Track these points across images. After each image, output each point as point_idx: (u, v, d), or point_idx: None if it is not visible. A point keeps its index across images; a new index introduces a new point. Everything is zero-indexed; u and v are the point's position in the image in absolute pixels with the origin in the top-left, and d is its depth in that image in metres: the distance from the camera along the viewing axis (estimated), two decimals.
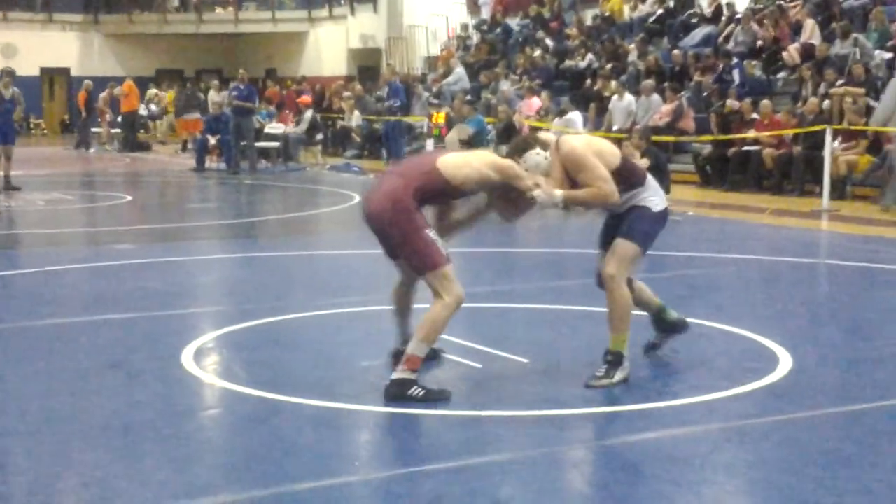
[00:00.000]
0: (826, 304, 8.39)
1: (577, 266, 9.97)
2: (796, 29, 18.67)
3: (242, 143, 20.56)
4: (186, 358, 6.09)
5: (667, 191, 13.32)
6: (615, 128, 18.06)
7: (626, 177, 5.61)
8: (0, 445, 4.74)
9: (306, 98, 24.39)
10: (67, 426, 4.96)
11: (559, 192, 5.46)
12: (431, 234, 5.33)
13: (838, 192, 14.36)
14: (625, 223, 5.63)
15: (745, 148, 16.16)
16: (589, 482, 4.42)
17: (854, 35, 17.00)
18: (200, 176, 20.36)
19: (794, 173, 15.44)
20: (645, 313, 6.07)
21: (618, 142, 15.93)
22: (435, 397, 5.21)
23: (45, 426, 4.95)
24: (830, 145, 14.05)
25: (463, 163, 5.41)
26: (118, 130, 28.25)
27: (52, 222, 13.71)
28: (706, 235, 11.87)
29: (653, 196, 5.70)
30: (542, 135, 5.74)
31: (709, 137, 16.71)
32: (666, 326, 6.16)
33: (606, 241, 5.74)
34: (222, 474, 4.38)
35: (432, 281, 5.29)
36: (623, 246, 5.58)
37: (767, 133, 15.69)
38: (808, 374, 5.85)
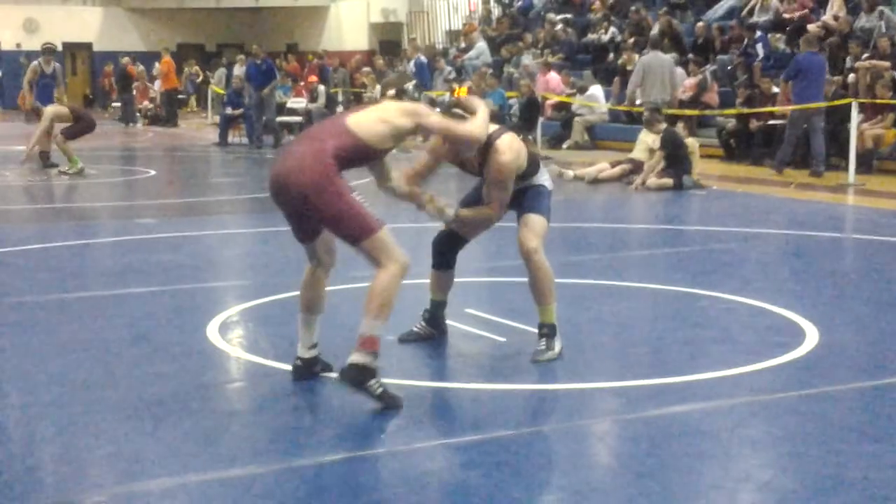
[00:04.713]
0: (852, 278, 8.34)
1: (597, 241, 9.97)
2: (821, 2, 18.51)
3: (265, 118, 20.56)
4: (212, 331, 6.11)
5: (689, 171, 13.35)
6: (638, 102, 17.96)
7: (531, 169, 5.61)
8: (28, 417, 4.77)
9: (313, 77, 24.35)
10: (95, 398, 4.98)
11: (451, 211, 5.46)
12: (359, 198, 4.83)
13: (864, 166, 14.27)
14: (528, 199, 5.60)
15: (770, 122, 16.06)
16: (614, 456, 4.42)
17: (879, 8, 16.84)
18: (224, 150, 20.38)
19: None
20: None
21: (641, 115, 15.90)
22: (390, 401, 4.76)
23: (73, 398, 4.98)
24: (856, 119, 13.95)
25: (376, 119, 4.93)
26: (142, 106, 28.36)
27: (76, 197, 13.77)
28: (731, 210, 11.80)
29: (546, 177, 5.74)
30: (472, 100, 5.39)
31: (733, 111, 16.61)
32: (435, 321, 5.92)
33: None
34: (248, 447, 4.39)
35: (370, 249, 4.79)
36: (537, 220, 5.56)
37: (792, 107, 15.57)
38: (834, 349, 5.82)
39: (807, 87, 14.40)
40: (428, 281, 5.92)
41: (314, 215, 4.87)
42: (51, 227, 10.97)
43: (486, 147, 5.34)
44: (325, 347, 5.35)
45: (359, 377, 4.71)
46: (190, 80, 31.29)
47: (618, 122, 19.22)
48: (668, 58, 17.36)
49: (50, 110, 15.14)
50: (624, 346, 6.01)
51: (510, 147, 5.39)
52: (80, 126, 15.27)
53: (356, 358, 4.72)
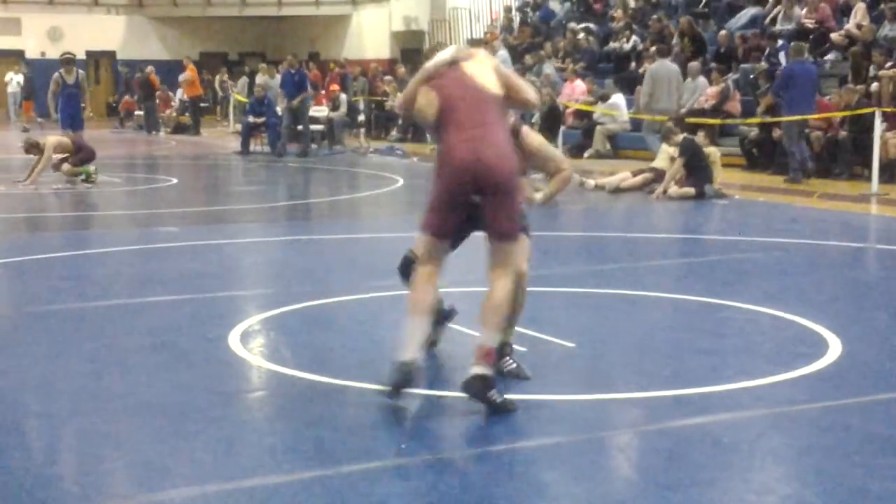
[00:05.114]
0: (876, 288, 8.29)
1: (618, 250, 9.95)
2: (844, 10, 18.43)
3: (292, 126, 20.65)
4: (233, 340, 6.13)
5: (711, 180, 13.32)
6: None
7: None
8: (50, 426, 4.79)
9: (335, 86, 24.36)
10: (116, 407, 5.00)
11: (539, 196, 5.47)
12: None
13: (887, 175, 14.19)
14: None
15: None
16: (635, 467, 4.40)
17: None
18: (246, 159, 20.45)
19: (842, 157, 15.26)
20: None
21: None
22: (508, 407, 4.84)
23: (95, 407, 5.00)
24: (879, 128, 13.87)
25: (500, 78, 5.03)
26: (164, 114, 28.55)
27: (98, 205, 13.84)
28: (753, 219, 11.76)
29: None
30: None
31: (755, 120, 16.54)
32: (439, 319, 5.75)
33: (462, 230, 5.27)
34: (269, 456, 4.40)
35: (513, 251, 4.86)
36: (525, 240, 5.33)
37: (816, 116, 15.51)
38: (857, 360, 5.79)
39: (798, 96, 14.74)
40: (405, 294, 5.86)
41: (498, 204, 4.82)
42: (73, 236, 11.03)
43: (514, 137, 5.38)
44: (344, 354, 5.36)
45: (483, 388, 4.77)
46: (222, 88, 31.41)
47: (639, 132, 19.17)
48: (675, 67, 17.49)
49: (52, 141, 15.16)
50: (645, 356, 5.99)
51: (528, 129, 5.55)
52: (81, 156, 15.25)
53: (480, 370, 4.78)
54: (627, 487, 4.17)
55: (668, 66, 17.10)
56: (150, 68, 28.51)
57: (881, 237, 10.88)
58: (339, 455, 4.35)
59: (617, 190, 14.04)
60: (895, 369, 5.72)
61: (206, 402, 5.03)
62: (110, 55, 36.52)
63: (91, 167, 15.21)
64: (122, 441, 4.55)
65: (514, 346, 5.88)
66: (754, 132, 16.70)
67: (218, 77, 31.59)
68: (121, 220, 12.41)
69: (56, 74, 16.19)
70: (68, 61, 16.28)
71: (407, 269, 5.47)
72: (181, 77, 28.06)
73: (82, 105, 16.38)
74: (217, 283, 8.10)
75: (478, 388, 4.78)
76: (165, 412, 4.89)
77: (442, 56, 5.07)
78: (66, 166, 15.02)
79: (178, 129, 28.06)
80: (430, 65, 5.07)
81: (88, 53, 35.18)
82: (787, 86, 14.84)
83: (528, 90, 5.22)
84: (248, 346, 6.06)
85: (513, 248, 4.87)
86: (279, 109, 22.15)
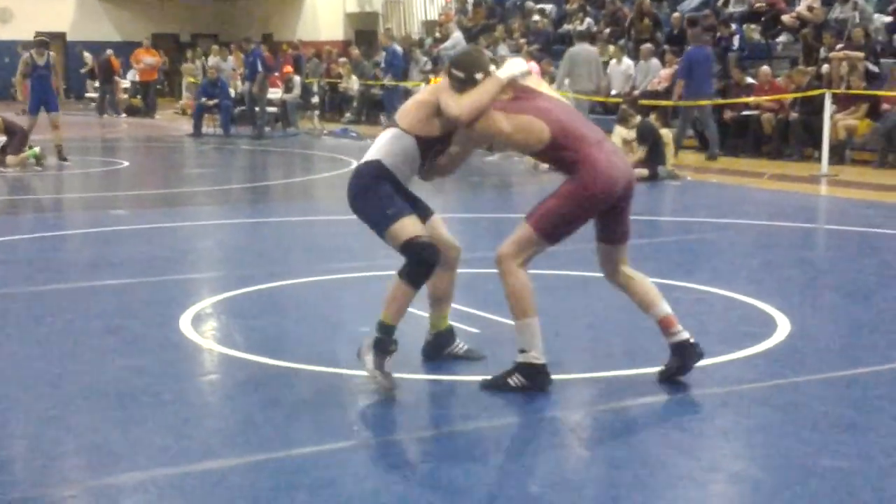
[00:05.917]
0: (825, 268, 8.39)
1: None
2: None
3: (257, 109, 20.61)
4: (184, 323, 6.09)
5: (664, 161, 13.41)
6: (613, 92, 17.99)
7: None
8: None
9: (288, 68, 24.20)
10: (66, 391, 4.96)
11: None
12: None
13: (837, 156, 14.35)
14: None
15: (744, 113, 16.12)
16: (586, 447, 4.42)
17: None
18: (198, 141, 20.30)
19: (793, 138, 15.41)
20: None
21: (615, 106, 15.98)
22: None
23: (44, 391, 4.96)
24: (829, 110, 14.01)
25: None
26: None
27: (49, 188, 13.69)
28: (704, 200, 11.86)
29: None
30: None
31: (705, 102, 16.63)
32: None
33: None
34: (221, 439, 4.38)
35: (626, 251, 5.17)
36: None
37: (767, 98, 15.65)
38: (806, 339, 5.86)
39: (697, 80, 15.59)
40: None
41: (629, 210, 5.02)
42: (22, 219, 10.91)
43: None
44: (296, 337, 5.30)
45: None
46: (192, 74, 31.10)
47: (593, 114, 19.21)
48: (594, 49, 18.00)
49: None
50: (596, 336, 6.03)
51: None
52: (17, 140, 14.95)
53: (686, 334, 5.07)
54: (579, 466, 4.20)
55: (588, 48, 17.61)
56: (109, 51, 28.20)
57: (830, 218, 11.01)
58: (291, 437, 4.34)
59: None
60: (843, 348, 5.80)
61: (158, 386, 5.00)
62: (60, 37, 36.05)
63: (36, 148, 15.01)
64: (72, 425, 4.51)
65: (468, 328, 5.92)
66: None
67: (193, 57, 31.17)
68: (71, 204, 12.29)
69: (26, 55, 15.94)
70: (42, 44, 16.04)
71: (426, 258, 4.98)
72: (147, 60, 27.74)
73: (55, 87, 16.10)
74: (168, 266, 8.05)
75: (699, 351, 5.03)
76: (116, 396, 4.86)
77: (511, 73, 4.89)
78: (10, 158, 14.74)
79: (130, 111, 27.80)
80: (498, 82, 4.86)
81: (38, 35, 34.59)
82: (690, 71, 15.63)
83: None
84: (200, 329, 6.03)
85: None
86: (232, 91, 22.08)
